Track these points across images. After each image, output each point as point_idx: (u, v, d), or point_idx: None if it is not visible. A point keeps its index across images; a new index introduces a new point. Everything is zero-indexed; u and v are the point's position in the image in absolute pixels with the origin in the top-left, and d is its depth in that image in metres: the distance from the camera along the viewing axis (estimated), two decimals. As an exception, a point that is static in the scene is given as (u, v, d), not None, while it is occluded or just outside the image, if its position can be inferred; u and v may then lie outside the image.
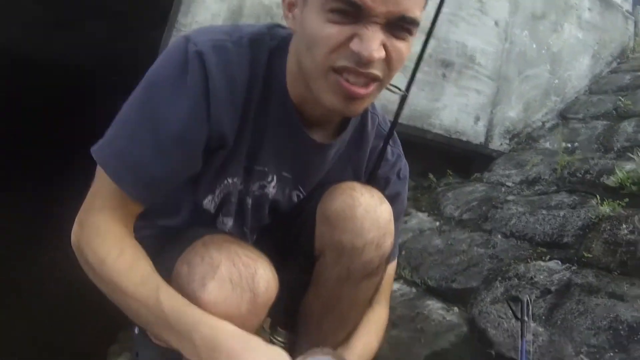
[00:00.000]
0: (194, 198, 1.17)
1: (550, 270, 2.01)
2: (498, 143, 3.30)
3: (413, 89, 3.07)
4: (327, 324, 1.32)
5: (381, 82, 0.98)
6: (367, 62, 0.92)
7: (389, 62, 0.95)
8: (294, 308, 1.34)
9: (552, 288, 1.89)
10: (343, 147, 1.23)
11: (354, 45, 0.91)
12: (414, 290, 2.21)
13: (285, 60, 1.08)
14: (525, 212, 2.47)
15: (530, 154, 3.14)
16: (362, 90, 0.95)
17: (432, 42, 3.31)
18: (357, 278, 1.21)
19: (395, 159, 1.32)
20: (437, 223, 2.69)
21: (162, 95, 0.98)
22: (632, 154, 2.60)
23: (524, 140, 3.36)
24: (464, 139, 3.18)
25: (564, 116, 3.53)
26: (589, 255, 2.02)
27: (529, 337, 1.68)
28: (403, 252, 2.41)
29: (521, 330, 1.24)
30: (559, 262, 2.06)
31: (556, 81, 3.58)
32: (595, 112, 3.39)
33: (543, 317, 1.76)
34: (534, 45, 3.50)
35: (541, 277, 1.97)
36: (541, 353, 1.62)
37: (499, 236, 2.38)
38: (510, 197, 2.68)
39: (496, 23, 3.33)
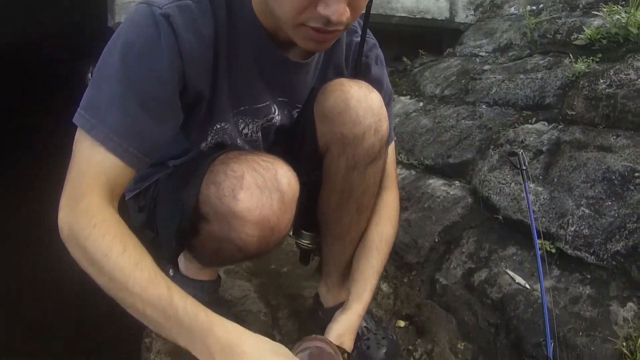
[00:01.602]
0: (190, 145, 1.22)
1: (538, 131, 2.05)
2: (463, 15, 3.23)
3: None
4: (347, 216, 1.37)
5: (346, 27, 1.03)
6: (335, 24, 0.96)
7: (353, 12, 0.99)
8: (312, 210, 1.39)
9: (544, 148, 1.93)
10: (322, 56, 1.27)
11: (321, 9, 0.94)
12: (413, 172, 2.25)
13: (246, 3, 1.11)
14: (504, 79, 2.47)
15: (497, 22, 3.09)
16: (327, 36, 1.00)
17: None
18: (363, 165, 1.28)
19: (370, 46, 1.37)
20: (421, 104, 2.68)
21: (139, 60, 0.99)
22: (597, 10, 2.58)
23: (488, 8, 3.29)
24: (429, 17, 3.10)
25: None
26: (573, 113, 2.05)
27: (530, 197, 1.75)
28: (395, 138, 2.42)
29: (522, 177, 1.37)
30: (545, 123, 2.10)
31: None
32: None
33: (540, 177, 1.81)
34: None
35: (531, 139, 2.01)
36: (544, 211, 1.68)
37: (483, 106, 2.40)
38: (486, 67, 2.67)
39: None
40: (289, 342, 1.58)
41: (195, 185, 1.14)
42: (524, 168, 1.41)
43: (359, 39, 1.31)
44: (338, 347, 0.99)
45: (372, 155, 1.28)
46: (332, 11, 0.93)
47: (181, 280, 1.54)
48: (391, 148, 1.44)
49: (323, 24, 0.96)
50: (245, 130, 1.25)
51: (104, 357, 1.92)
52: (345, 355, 1.06)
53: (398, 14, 3.01)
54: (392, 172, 1.46)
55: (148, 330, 1.68)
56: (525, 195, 1.43)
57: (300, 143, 1.34)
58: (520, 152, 1.39)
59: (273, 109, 1.26)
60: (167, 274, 1.58)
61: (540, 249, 1.59)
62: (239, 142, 1.24)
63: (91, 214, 0.93)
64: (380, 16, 2.95)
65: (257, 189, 1.09)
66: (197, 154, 1.25)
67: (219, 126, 1.19)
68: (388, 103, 1.38)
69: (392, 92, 1.47)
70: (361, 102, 1.22)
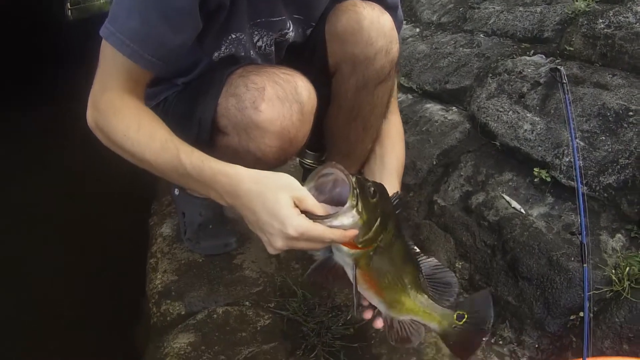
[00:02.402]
0: (203, 54, 1.21)
1: (536, 64, 2.05)
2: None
3: None
4: (353, 133, 1.38)
5: None
6: None
7: None
8: (317, 129, 1.39)
9: (541, 80, 1.94)
10: None
11: None
12: (410, 96, 2.24)
13: None
14: (502, 10, 2.45)
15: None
16: None
17: None
18: (373, 85, 1.30)
19: None
20: (417, 30, 2.64)
21: None
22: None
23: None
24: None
25: None
26: (571, 49, 2.06)
27: (527, 126, 1.78)
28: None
29: (562, 91, 1.47)
30: (543, 56, 2.10)
31: None
32: None
33: (537, 108, 1.83)
34: None
35: (529, 70, 2.01)
36: (541, 140, 1.72)
37: (482, 35, 2.38)
38: (484, -3, 2.63)
39: None
40: (292, 266, 1.61)
41: (213, 98, 1.16)
42: (565, 82, 1.43)
43: None
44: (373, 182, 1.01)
45: (382, 76, 1.30)
46: None
47: (186, 199, 1.53)
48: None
49: None
50: (260, 43, 1.24)
51: (110, 278, 1.91)
52: (396, 192, 1.11)
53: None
54: (395, 96, 1.49)
55: (152, 250, 1.70)
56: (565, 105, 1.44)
57: (310, 60, 1.35)
58: (562, 68, 1.42)
59: (288, 24, 1.25)
60: (172, 194, 1.58)
61: (536, 177, 1.64)
62: (252, 54, 1.23)
63: (112, 104, 1.04)
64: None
65: (278, 101, 1.11)
66: (209, 70, 1.24)
67: (234, 36, 1.18)
68: (399, 28, 1.38)
69: (403, 19, 1.48)
70: (374, 24, 1.23)
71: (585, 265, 1.22)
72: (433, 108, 2.11)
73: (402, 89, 2.29)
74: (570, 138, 1.42)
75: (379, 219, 0.97)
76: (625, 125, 1.64)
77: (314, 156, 1.55)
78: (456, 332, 1.15)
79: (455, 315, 1.15)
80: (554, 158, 1.66)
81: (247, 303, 1.47)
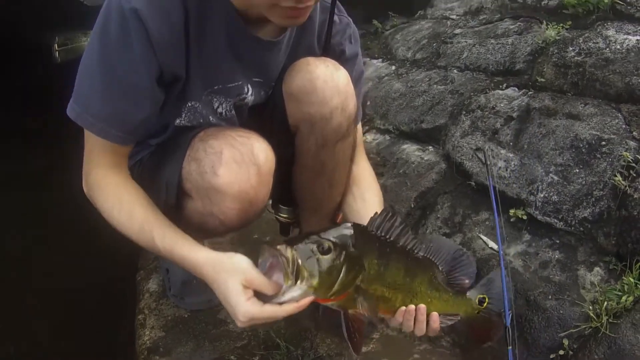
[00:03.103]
0: (165, 121, 1.25)
1: (509, 97, 2.08)
2: (435, -24, 3.21)
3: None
4: (319, 190, 1.42)
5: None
6: (306, 0, 1.00)
7: None
8: (288, 185, 1.45)
9: (514, 114, 1.97)
10: (293, 33, 1.29)
11: None
12: (387, 137, 2.27)
13: None
14: (474, 43, 2.49)
15: (468, -17, 3.08)
16: (302, 10, 1.03)
17: None
18: (332, 142, 1.33)
19: (344, 26, 1.38)
20: (393, 67, 2.69)
21: (120, 57, 1.07)
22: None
23: (457, -31, 3.27)
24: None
25: None
26: (542, 80, 2.09)
27: (501, 163, 1.80)
28: (368, 103, 2.43)
29: (487, 173, 1.49)
30: (516, 89, 2.13)
31: None
32: None
33: (511, 144, 1.85)
34: None
35: (502, 105, 2.04)
36: (515, 177, 1.74)
37: (455, 71, 2.42)
38: (457, 31, 2.68)
39: None
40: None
41: (177, 162, 1.21)
42: (489, 163, 1.51)
43: (335, 18, 1.33)
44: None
45: (340, 133, 1.31)
46: None
47: None
48: (359, 127, 1.48)
49: (295, 2, 0.99)
50: (220, 109, 1.27)
51: (99, 335, 1.93)
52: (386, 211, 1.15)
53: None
54: (361, 146, 1.51)
55: (140, 306, 1.73)
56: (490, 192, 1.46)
57: (271, 121, 1.37)
58: (486, 149, 1.50)
59: (246, 89, 1.27)
60: None
61: (512, 217, 1.66)
62: (212, 119, 1.26)
63: (97, 181, 1.16)
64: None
65: (235, 164, 1.15)
66: (176, 132, 1.27)
67: (190, 104, 1.22)
68: (359, 78, 1.42)
69: (363, 69, 1.50)
70: (327, 82, 1.25)
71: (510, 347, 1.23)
72: (410, 149, 2.13)
73: (379, 130, 2.33)
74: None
75: (343, 268, 1.00)
76: (598, 155, 1.66)
77: (287, 210, 1.58)
78: (480, 318, 1.21)
79: (476, 300, 1.20)
80: (528, 195, 1.68)
81: (232, 357, 1.50)
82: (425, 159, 2.04)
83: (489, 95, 2.13)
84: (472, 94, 2.19)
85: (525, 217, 1.64)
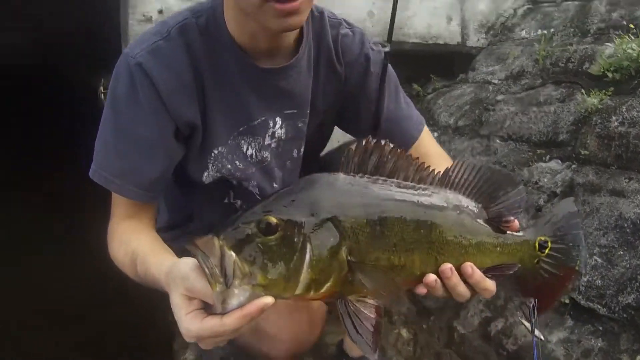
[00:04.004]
0: (193, 178, 1.25)
1: (552, 171, 2.12)
2: (475, 39, 3.29)
3: (379, 3, 3.00)
4: None
5: None
6: None
7: None
8: None
9: (558, 190, 2.00)
10: (311, 54, 1.26)
11: None
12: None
13: (221, 20, 1.14)
14: (517, 111, 2.54)
15: (509, 46, 3.14)
16: (294, 4, 0.99)
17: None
18: None
19: (359, 36, 1.33)
20: (436, 134, 2.75)
21: (128, 113, 1.11)
22: (609, 35, 2.63)
23: (500, 31, 3.34)
24: (441, 42, 3.18)
25: (533, 0, 3.46)
26: (586, 152, 2.11)
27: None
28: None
29: (531, 330, 1.26)
30: (559, 161, 2.16)
31: None
32: None
33: (554, 222, 1.88)
34: None
35: (545, 180, 2.08)
36: (559, 258, 1.76)
37: (498, 140, 2.47)
38: (499, 97, 2.73)
39: None
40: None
41: None
42: (533, 321, 1.40)
43: (345, 31, 1.31)
44: None
45: None
46: None
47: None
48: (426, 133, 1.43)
49: None
50: (250, 151, 1.25)
51: None
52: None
53: (410, 40, 3.08)
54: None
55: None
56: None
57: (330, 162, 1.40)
58: (532, 304, 1.22)
59: (272, 123, 1.25)
60: None
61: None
62: (242, 165, 1.25)
63: (111, 232, 1.17)
64: (392, 42, 3.01)
65: (287, 312, 1.17)
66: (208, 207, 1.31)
67: (216, 152, 1.21)
68: (419, 129, 1.39)
69: (421, 119, 1.45)
70: None
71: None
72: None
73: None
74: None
75: (307, 245, 0.75)
76: (643, 236, 1.67)
77: None
78: (537, 270, 0.92)
79: (537, 243, 0.93)
80: (571, 278, 1.69)
81: None
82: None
83: (532, 168, 2.17)
84: (515, 166, 2.23)
85: (568, 302, 1.66)
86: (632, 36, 2.44)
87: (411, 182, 0.87)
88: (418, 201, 0.86)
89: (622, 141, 2.03)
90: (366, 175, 0.84)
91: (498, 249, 0.89)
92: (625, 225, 1.72)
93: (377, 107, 1.33)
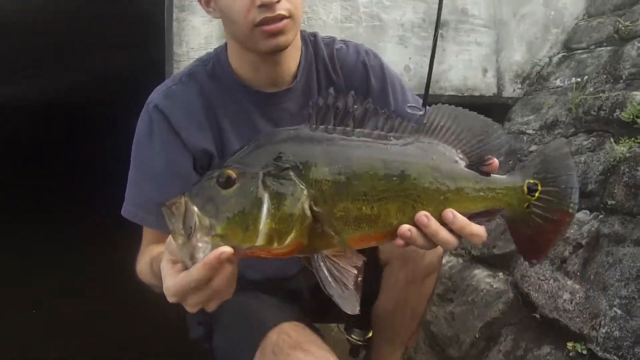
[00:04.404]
0: None
1: (579, 222, 2.16)
2: (511, 89, 3.38)
3: (416, 58, 3.14)
4: (399, 320, 1.54)
5: (292, 17, 1.22)
6: (271, 5, 1.16)
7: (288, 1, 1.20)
8: (365, 311, 1.55)
9: (583, 242, 2.04)
10: (311, 74, 1.41)
11: (258, 1, 1.16)
12: (460, 261, 2.42)
13: (225, 63, 1.35)
14: (548, 161, 2.59)
15: (544, 95, 3.21)
16: (279, 25, 1.18)
17: (422, 6, 3.35)
18: (420, 278, 1.45)
19: (353, 47, 1.47)
20: (469, 186, 2.84)
21: (145, 149, 1.30)
22: (640, 81, 2.65)
23: (535, 81, 3.41)
24: (477, 94, 3.28)
25: (568, 47, 3.51)
26: (613, 202, 2.14)
27: (566, 296, 1.89)
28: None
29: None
30: (587, 212, 2.20)
31: (552, 13, 3.54)
32: (597, 38, 3.35)
33: (578, 274, 1.94)
34: (523, -18, 3.48)
35: (572, 231, 2.13)
36: (579, 310, 1.82)
37: (528, 192, 2.53)
38: (532, 148, 2.81)
39: (479, -33, 3.32)
40: None
41: (248, 352, 1.26)
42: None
43: (339, 45, 1.45)
44: None
45: (430, 270, 1.46)
46: None
47: None
48: None
49: (265, 12, 1.16)
50: None
51: None
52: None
53: (447, 93, 3.21)
54: None
55: None
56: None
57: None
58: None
59: None
60: None
61: (571, 351, 1.74)
62: None
63: (139, 258, 1.29)
64: (429, 96, 3.15)
65: None
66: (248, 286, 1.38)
67: None
68: (403, 88, 1.48)
69: (400, 78, 1.52)
70: None
71: None
72: (480, 275, 2.27)
73: (451, 253, 2.48)
74: None
75: (265, 195, 0.77)
76: (663, 288, 1.71)
77: (360, 333, 1.65)
78: (528, 216, 0.90)
79: (525, 187, 0.91)
80: (590, 330, 1.75)
81: None
82: (495, 286, 2.16)
83: (560, 219, 2.22)
84: (543, 218, 2.29)
85: (585, 352, 1.71)
86: (662, 82, 2.47)
87: (381, 131, 0.87)
88: (388, 148, 0.86)
89: (648, 190, 2.06)
90: (329, 127, 0.85)
91: (481, 193, 0.88)
92: (647, 276, 1.76)
93: (387, 108, 1.43)
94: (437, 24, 1.66)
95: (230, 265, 0.78)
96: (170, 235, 0.80)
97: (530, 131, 3.01)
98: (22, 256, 4.13)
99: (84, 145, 8.46)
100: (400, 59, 3.15)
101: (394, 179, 0.83)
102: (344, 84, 1.42)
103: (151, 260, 1.16)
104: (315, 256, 0.80)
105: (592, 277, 1.89)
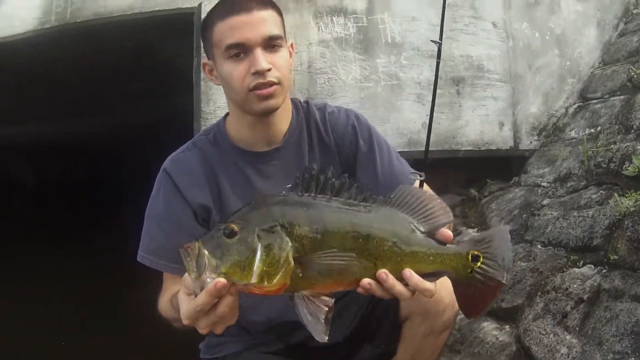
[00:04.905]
0: None
1: (583, 276, 2.24)
2: (527, 142, 3.48)
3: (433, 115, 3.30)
4: None
5: (281, 83, 1.45)
6: (262, 73, 1.40)
7: (277, 69, 1.43)
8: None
9: (585, 297, 2.13)
10: (302, 133, 1.61)
11: (252, 68, 1.40)
12: (470, 314, 2.54)
13: (224, 132, 1.59)
14: (559, 216, 2.67)
15: (559, 147, 3.30)
16: (269, 90, 1.42)
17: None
18: (438, 332, 1.60)
19: (344, 112, 1.68)
20: (485, 239, 2.96)
21: (154, 204, 1.55)
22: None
23: (551, 132, 3.50)
24: (493, 147, 3.40)
25: (584, 97, 3.58)
26: (616, 257, 2.20)
27: (564, 350, 1.99)
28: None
29: None
30: (592, 267, 2.26)
31: (568, 63, 3.64)
32: (611, 87, 3.41)
33: (577, 328, 2.03)
34: (537, 34, 3.60)
35: (575, 286, 2.21)
36: (575, 365, 1.92)
37: (539, 246, 2.63)
38: (545, 201, 2.90)
39: (494, 24, 3.49)
40: None
41: None
42: None
43: (330, 110, 1.65)
44: None
45: (447, 325, 1.60)
46: (256, 65, 1.39)
47: None
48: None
49: (258, 78, 1.40)
50: None
51: None
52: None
53: (464, 148, 3.35)
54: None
55: None
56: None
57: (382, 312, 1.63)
58: None
59: None
60: None
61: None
62: None
63: (161, 296, 1.51)
64: (446, 151, 3.30)
65: None
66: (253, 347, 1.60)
67: None
68: (390, 151, 1.65)
69: (386, 141, 1.70)
70: (443, 285, 1.35)
71: None
72: (488, 327, 2.38)
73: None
74: None
75: (258, 245, 1.01)
76: (656, 343, 1.79)
77: None
78: (471, 280, 1.10)
79: (469, 256, 1.11)
80: (584, 386, 1.85)
81: None
82: (500, 339, 2.27)
83: (565, 274, 2.31)
84: (550, 273, 2.39)
85: (578, 408, 1.81)
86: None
87: (354, 200, 1.10)
88: (357, 214, 1.09)
89: (650, 244, 2.13)
90: (311, 195, 1.09)
91: (431, 258, 1.09)
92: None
93: (373, 168, 1.61)
94: (435, 87, 1.90)
95: (232, 296, 1.03)
96: (185, 274, 1.04)
97: (545, 184, 3.11)
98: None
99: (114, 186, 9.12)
100: (418, 116, 3.31)
101: (360, 240, 1.06)
102: (335, 143, 1.63)
103: (171, 297, 1.37)
104: (296, 295, 1.05)
105: (589, 331, 1.99)
